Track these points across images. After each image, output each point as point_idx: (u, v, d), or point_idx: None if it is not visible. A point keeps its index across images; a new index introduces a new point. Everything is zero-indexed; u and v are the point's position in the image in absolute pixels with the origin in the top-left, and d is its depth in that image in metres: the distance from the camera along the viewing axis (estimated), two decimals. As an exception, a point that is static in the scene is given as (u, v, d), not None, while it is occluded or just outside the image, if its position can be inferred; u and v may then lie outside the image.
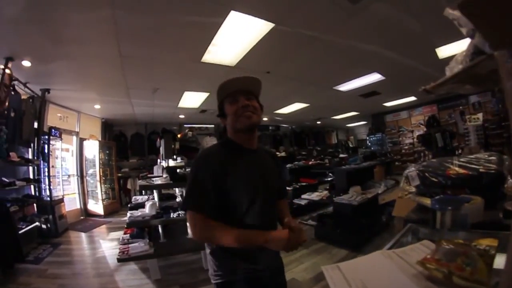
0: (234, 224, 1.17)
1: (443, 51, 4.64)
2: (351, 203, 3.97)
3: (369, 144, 12.01)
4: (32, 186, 5.26)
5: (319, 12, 3.20)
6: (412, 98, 9.24)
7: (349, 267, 0.88)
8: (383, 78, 6.04)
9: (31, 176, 5.33)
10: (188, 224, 1.24)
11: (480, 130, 6.59)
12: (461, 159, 1.68)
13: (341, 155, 7.73)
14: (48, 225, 5.24)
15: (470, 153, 2.19)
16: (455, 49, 4.45)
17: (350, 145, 13.71)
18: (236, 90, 1.29)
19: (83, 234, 5.70)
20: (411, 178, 1.85)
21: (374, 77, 6.00)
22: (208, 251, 1.32)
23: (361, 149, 9.90)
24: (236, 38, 3.70)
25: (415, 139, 10.69)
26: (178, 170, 3.81)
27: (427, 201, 1.55)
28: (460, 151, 6.40)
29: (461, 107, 9.26)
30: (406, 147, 11.17)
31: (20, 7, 2.77)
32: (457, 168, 1.63)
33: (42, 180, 5.52)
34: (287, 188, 6.07)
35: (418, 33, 3.93)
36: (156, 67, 4.55)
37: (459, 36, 3.74)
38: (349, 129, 15.61)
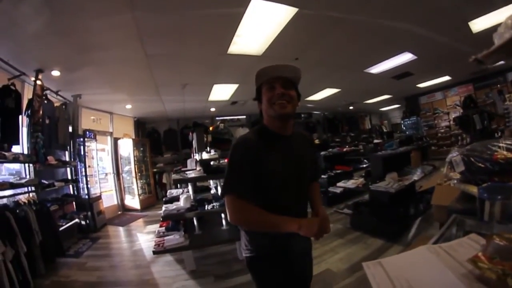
0: (269, 207, 1.22)
1: (477, 25, 4.30)
2: (388, 190, 3.81)
3: (404, 128, 11.48)
4: (70, 186, 5.57)
5: None
6: (447, 78, 8.70)
7: (392, 264, 0.81)
8: (415, 57, 5.72)
9: (69, 177, 5.64)
10: (226, 208, 1.25)
11: (522, 110, 6.06)
12: (508, 142, 1.47)
13: (376, 141, 7.45)
14: (87, 221, 5.54)
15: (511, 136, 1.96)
16: (490, 21, 4.13)
17: (384, 130, 13.24)
18: (274, 77, 1.29)
19: (120, 228, 5.96)
20: (455, 163, 1.65)
21: (405, 57, 5.71)
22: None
23: (395, 133, 9.51)
24: (260, 27, 3.63)
25: (451, 122, 10.06)
26: (212, 163, 3.83)
27: (473, 189, 1.39)
28: (499, 134, 5.95)
29: (499, 86, 8.54)
30: (442, 130, 10.55)
31: (43, 21, 2.91)
32: (505, 152, 1.42)
33: (80, 179, 5.82)
34: (322, 176, 6.02)
35: (449, 6, 3.65)
36: (183, 63, 4.58)
37: (493, 6, 3.46)
38: (383, 114, 15.08)
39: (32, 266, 3.36)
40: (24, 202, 3.70)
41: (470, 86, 9.42)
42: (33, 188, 4.09)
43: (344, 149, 7.05)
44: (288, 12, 3.33)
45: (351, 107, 12.19)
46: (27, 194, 3.95)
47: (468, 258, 0.74)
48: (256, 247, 1.33)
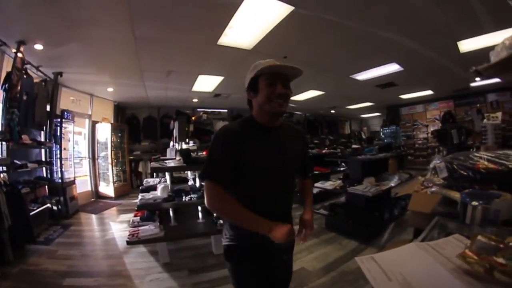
0: (250, 199, 1.24)
1: (465, 45, 4.52)
2: (365, 194, 3.87)
3: (383, 136, 11.89)
4: (44, 169, 5.32)
5: None
6: (429, 92, 9.05)
7: (385, 259, 0.84)
8: (401, 69, 5.89)
9: (43, 159, 5.37)
10: (204, 192, 1.26)
11: (498, 130, 6.40)
12: (490, 154, 1.60)
13: (354, 146, 7.66)
14: (59, 207, 5.32)
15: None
16: (477, 44, 4.38)
17: (363, 136, 13.56)
18: (277, 72, 1.27)
19: (93, 216, 5.78)
20: (439, 169, 1.77)
21: (392, 68, 5.86)
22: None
23: (375, 141, 9.80)
24: (254, 21, 3.59)
25: (429, 134, 10.52)
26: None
27: (455, 195, 1.49)
28: (474, 150, 6.22)
29: (478, 105, 9.12)
30: (420, 142, 10.99)
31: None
32: (486, 163, 1.55)
33: (54, 162, 5.57)
34: None
35: (441, 24, 3.81)
36: (171, 50, 4.47)
37: (482, 30, 3.66)
38: (363, 120, 15.48)
39: (0, 252, 3.20)
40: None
41: (451, 102, 9.87)
42: (4, 168, 3.86)
43: (323, 151, 7.13)
44: (283, 9, 3.31)
45: (333, 111, 12.42)
46: (-3, 174, 3.72)
47: (457, 254, 0.79)
48: (237, 236, 1.31)
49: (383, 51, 4.88)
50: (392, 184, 4.44)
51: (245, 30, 3.83)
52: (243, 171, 1.23)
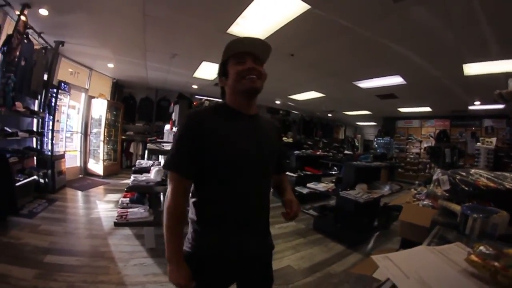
0: (223, 193, 1.14)
1: (470, 69, 4.60)
2: (357, 199, 3.91)
3: (376, 146, 11.99)
4: (34, 139, 5.21)
5: (357, 2, 3.07)
6: (427, 109, 9.19)
7: (400, 258, 0.87)
8: (404, 82, 5.93)
9: (35, 129, 5.25)
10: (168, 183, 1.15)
11: (491, 154, 6.55)
12: (489, 173, 1.68)
13: (346, 152, 7.75)
14: (46, 180, 5.21)
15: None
16: (483, 69, 4.48)
17: (356, 143, 13.68)
18: (245, 51, 1.19)
19: (79, 193, 5.67)
20: (442, 181, 1.84)
21: (395, 80, 5.88)
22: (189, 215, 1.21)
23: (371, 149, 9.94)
24: (268, 14, 3.53)
25: (422, 150, 10.66)
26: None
27: (456, 207, 1.56)
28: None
29: (473, 128, 9.32)
30: (412, 156, 11.13)
31: None
32: (485, 180, 1.62)
33: (45, 134, 5.44)
34: (292, 174, 6.13)
35: (450, 45, 3.87)
36: (179, 32, 4.38)
37: (490, 57, 3.74)
38: (358, 128, 15.63)
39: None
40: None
41: (447, 121, 10.05)
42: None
43: (317, 153, 7.16)
44: (299, 7, 3.27)
45: (329, 115, 12.51)
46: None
47: (464, 258, 0.84)
48: (196, 243, 1.16)
49: (389, 63, 4.91)
50: (383, 193, 4.49)
51: (257, 22, 3.79)
52: (211, 160, 1.11)
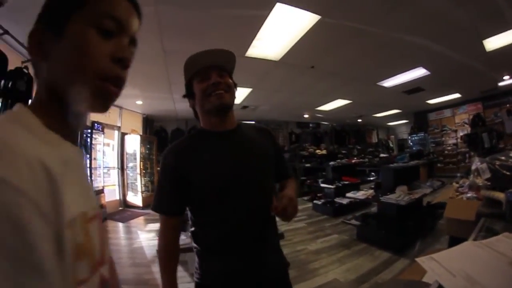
0: (213, 217, 1.06)
1: (491, 43, 4.39)
2: (399, 203, 3.78)
3: (411, 144, 11.50)
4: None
5: (363, 2, 3.10)
6: (457, 95, 8.75)
7: (444, 258, 0.84)
8: (428, 73, 5.79)
9: (74, 168, 5.57)
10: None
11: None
12: None
13: (382, 155, 7.51)
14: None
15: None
16: (504, 40, 4.25)
17: (391, 145, 13.26)
18: (207, 66, 1.10)
19: (120, 224, 5.86)
20: (482, 170, 1.75)
21: (418, 72, 5.77)
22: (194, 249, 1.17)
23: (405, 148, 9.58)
24: (281, 32, 3.64)
25: (459, 139, 10.05)
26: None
27: (500, 195, 1.46)
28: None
29: (508, 105, 8.58)
30: (449, 148, 10.52)
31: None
32: None
33: (85, 172, 5.75)
34: (330, 186, 6.08)
35: (465, 23, 3.73)
36: (199, 62, 4.56)
37: (508, 25, 3.52)
38: (390, 128, 15.12)
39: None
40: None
41: (479, 104, 9.43)
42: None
43: (353, 161, 7.03)
44: (310, 19, 3.36)
45: (359, 120, 12.25)
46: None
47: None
48: (204, 272, 1.11)
49: (409, 56, 4.83)
50: (426, 192, 4.32)
51: (272, 41, 3.90)
52: (195, 190, 1.05)
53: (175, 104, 7.48)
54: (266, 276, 1.09)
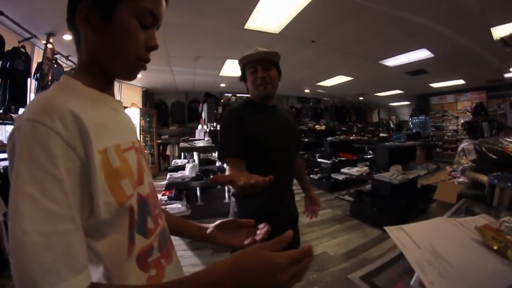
0: (261, 166, 1.27)
1: (499, 32, 4.19)
2: (392, 181, 3.82)
3: (411, 125, 11.41)
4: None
5: None
6: (461, 81, 8.60)
7: (413, 229, 0.84)
8: (432, 55, 5.66)
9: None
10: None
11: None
12: None
13: (382, 134, 7.46)
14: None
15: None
16: None
17: (391, 125, 13.19)
18: (256, 59, 1.44)
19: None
20: (468, 151, 1.74)
21: (422, 54, 5.62)
22: (231, 193, 1.56)
23: (404, 130, 9.52)
24: (281, 4, 3.55)
25: (459, 126, 10.00)
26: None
27: (483, 178, 1.46)
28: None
29: None
30: (449, 134, 10.50)
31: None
32: None
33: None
34: (326, 161, 6.20)
35: (474, 9, 3.61)
36: (198, 35, 4.51)
37: None
38: (392, 109, 15.01)
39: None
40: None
41: (483, 93, 9.33)
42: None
43: (351, 137, 7.02)
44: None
45: (361, 98, 12.13)
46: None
47: (476, 225, 0.80)
48: (245, 212, 1.39)
49: (413, 36, 4.70)
50: (420, 174, 4.35)
51: (272, 14, 3.81)
52: (251, 142, 1.35)
53: (175, 76, 7.43)
54: (287, 218, 1.51)
